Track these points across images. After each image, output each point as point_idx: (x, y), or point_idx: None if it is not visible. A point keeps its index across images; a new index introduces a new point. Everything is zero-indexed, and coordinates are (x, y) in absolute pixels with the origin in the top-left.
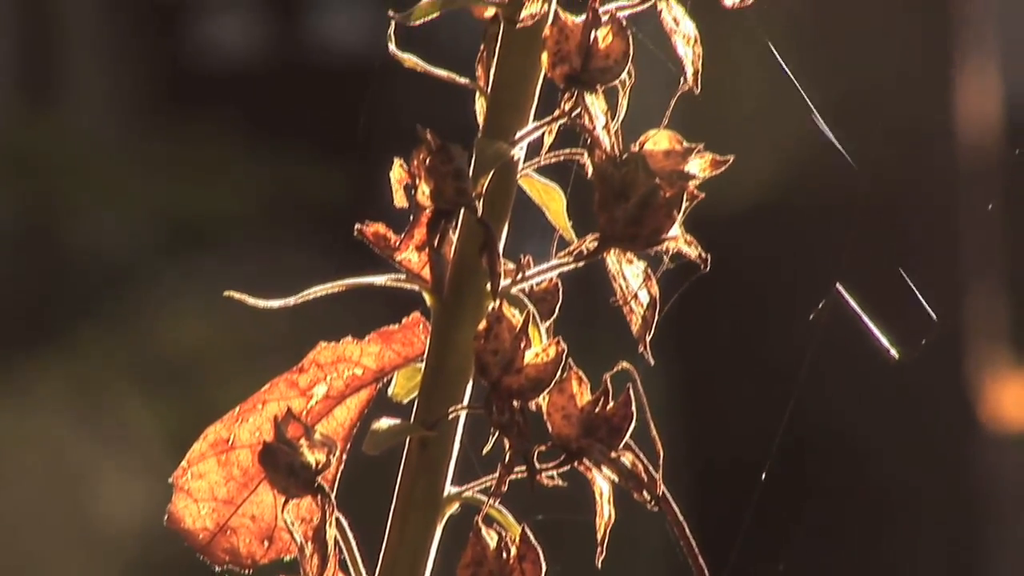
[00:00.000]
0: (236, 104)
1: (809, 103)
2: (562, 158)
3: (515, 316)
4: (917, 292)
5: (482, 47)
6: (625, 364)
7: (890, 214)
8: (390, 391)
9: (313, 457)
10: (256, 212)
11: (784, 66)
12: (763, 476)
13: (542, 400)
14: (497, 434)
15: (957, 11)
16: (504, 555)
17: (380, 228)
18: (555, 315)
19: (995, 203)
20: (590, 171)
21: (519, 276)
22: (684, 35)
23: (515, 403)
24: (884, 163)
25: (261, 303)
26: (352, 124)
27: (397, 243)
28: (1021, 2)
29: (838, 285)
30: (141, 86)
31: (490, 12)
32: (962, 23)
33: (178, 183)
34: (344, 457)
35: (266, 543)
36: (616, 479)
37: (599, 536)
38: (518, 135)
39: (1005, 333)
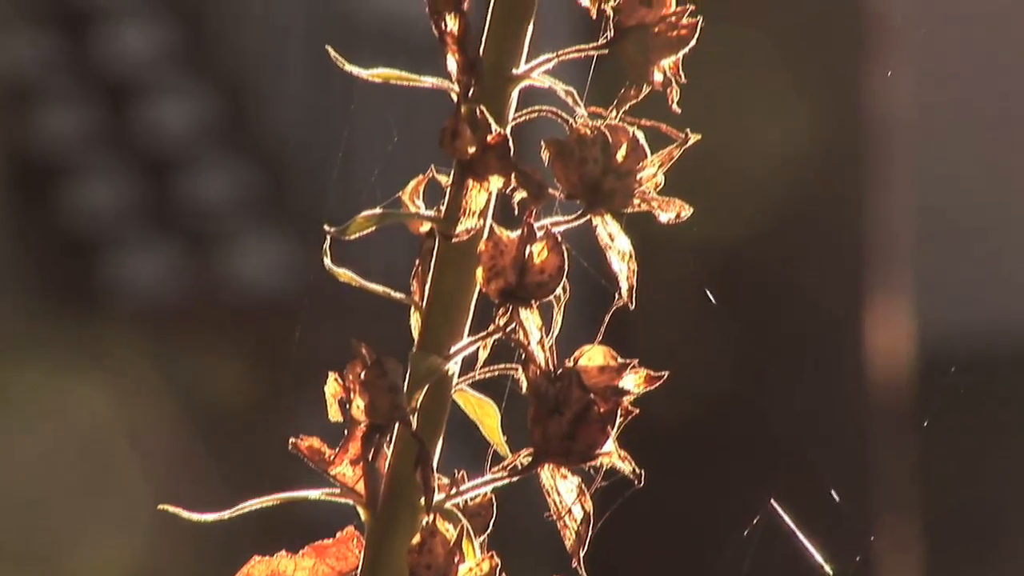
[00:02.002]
0: (151, 335)
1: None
2: (496, 373)
3: (449, 531)
4: (841, 514)
5: (417, 262)
6: None
7: (803, 448)
8: None
9: None
10: (180, 428)
11: (711, 297)
12: None
13: None
14: None
15: (869, 247)
16: None
17: (315, 442)
18: (489, 530)
19: (928, 422)
20: (524, 386)
21: (453, 491)
22: (619, 251)
23: None
24: (797, 399)
25: (195, 516)
26: (272, 351)
27: (332, 457)
28: (935, 238)
29: (772, 502)
30: (54, 318)
31: (425, 227)
32: (874, 259)
33: (93, 403)
34: None
35: None
36: None
37: None
38: (453, 350)
39: (916, 567)
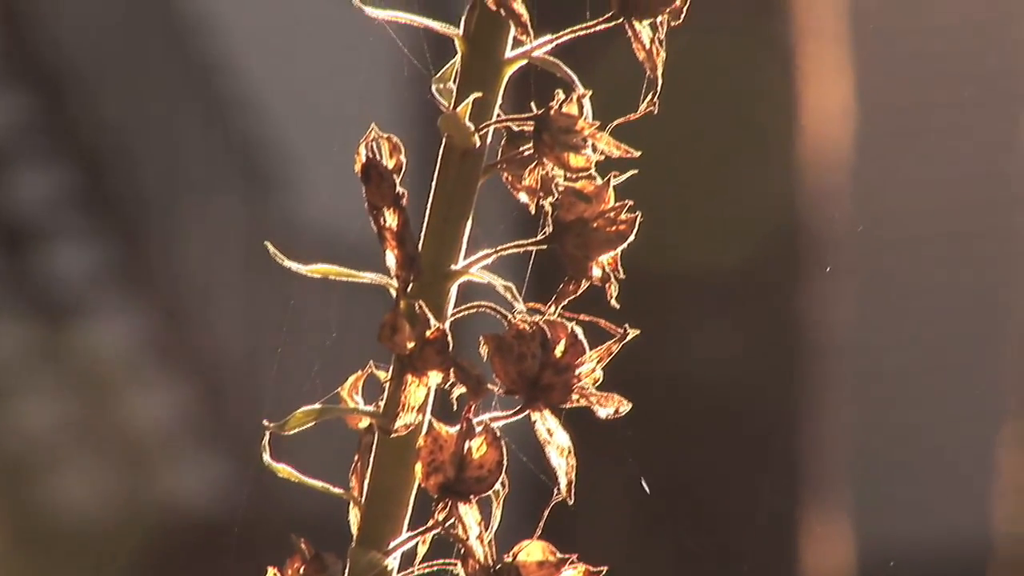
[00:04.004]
0: (89, 554)
1: None
2: (435, 568)
3: None
4: None
5: (356, 457)
6: None
7: None
8: None
9: None
10: None
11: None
12: None
13: None
14: None
15: (806, 462)
16: None
17: None
18: None
19: None
20: None
21: None
22: (558, 446)
23: None
24: None
25: None
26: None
27: None
28: (870, 454)
29: None
30: None
31: (364, 423)
32: (810, 473)
33: None
34: None
35: None
36: None
37: None
38: (392, 544)
39: None
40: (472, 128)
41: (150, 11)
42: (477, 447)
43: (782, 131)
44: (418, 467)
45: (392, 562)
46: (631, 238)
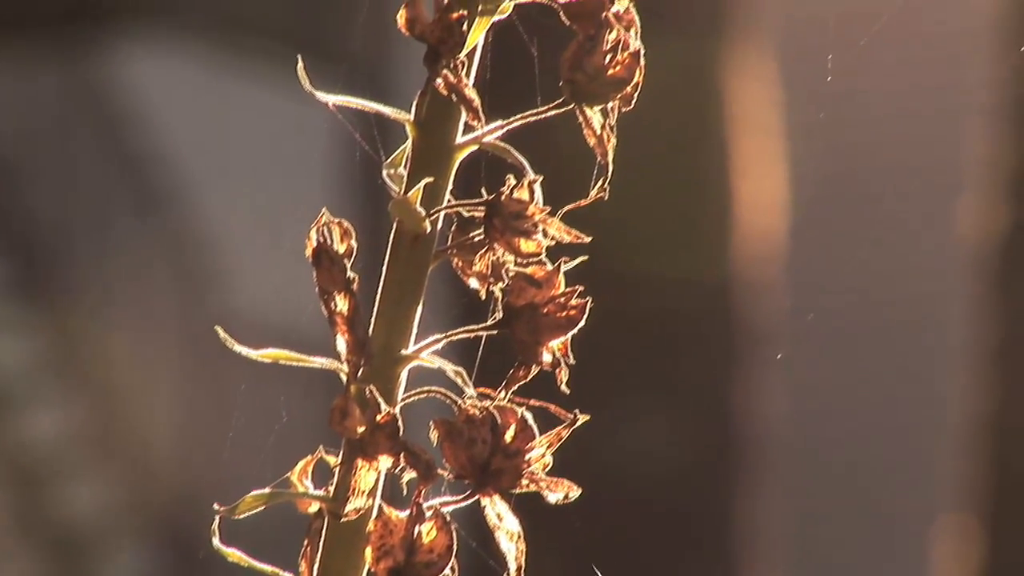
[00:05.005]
0: None
1: None
2: None
3: None
4: None
5: (306, 541)
6: None
7: None
8: None
9: None
10: None
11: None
12: None
13: None
14: None
15: (740, 553)
16: None
17: None
18: None
19: None
20: None
21: None
22: (508, 531)
23: None
24: None
25: None
26: None
27: None
28: (807, 543)
29: None
30: None
31: (314, 507)
32: (748, 568)
33: None
34: None
35: None
36: None
37: None
38: None
39: None
40: (423, 213)
41: (87, 103)
42: (427, 532)
43: (716, 223)
44: (368, 551)
45: None
46: (582, 323)
